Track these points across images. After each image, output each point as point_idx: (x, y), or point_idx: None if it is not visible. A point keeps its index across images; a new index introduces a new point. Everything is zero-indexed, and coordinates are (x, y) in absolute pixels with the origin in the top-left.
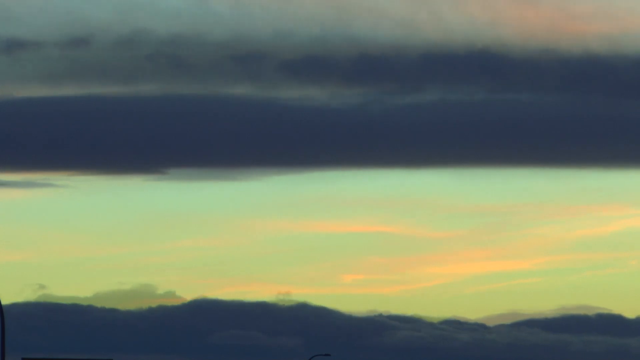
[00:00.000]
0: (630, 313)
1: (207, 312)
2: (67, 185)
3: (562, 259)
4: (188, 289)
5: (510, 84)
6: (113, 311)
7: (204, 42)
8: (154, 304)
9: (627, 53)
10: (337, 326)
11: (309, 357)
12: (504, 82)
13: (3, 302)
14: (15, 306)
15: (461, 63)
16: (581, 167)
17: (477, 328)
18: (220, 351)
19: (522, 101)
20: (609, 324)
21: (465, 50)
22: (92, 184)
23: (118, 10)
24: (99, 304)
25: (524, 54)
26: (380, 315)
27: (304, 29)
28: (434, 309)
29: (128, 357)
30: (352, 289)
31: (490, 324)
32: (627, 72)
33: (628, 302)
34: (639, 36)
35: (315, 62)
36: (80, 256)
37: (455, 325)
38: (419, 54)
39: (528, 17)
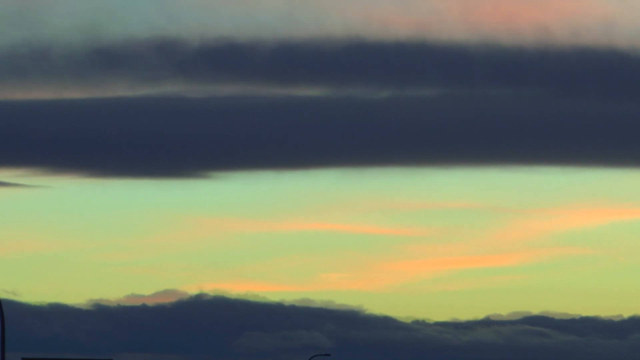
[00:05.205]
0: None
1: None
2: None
3: (544, 255)
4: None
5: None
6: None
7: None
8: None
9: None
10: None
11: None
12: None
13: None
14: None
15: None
16: (565, 165)
17: (455, 326)
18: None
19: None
20: (591, 324)
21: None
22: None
23: None
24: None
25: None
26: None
27: None
28: (406, 308)
29: (128, 357)
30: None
31: (469, 322)
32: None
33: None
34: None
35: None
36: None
37: (423, 324)
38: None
39: None
